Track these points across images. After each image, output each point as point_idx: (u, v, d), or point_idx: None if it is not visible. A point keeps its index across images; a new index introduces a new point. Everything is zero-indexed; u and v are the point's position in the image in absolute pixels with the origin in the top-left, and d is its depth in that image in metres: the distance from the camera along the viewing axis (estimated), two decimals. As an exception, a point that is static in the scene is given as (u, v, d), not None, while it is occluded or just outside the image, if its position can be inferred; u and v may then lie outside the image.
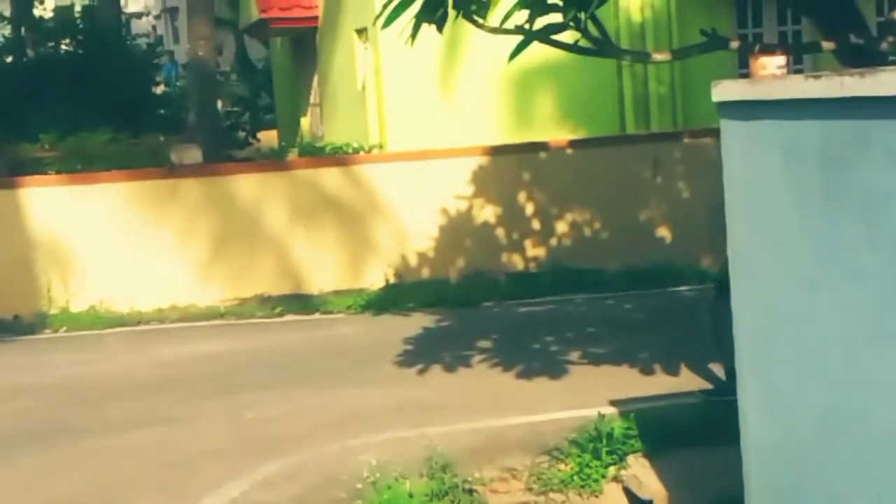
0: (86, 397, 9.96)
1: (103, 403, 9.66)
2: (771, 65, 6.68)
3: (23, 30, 29.85)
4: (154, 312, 13.56)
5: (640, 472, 6.65)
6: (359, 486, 6.69)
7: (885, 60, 6.73)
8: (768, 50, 10.55)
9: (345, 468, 7.19)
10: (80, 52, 26.44)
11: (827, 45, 6.94)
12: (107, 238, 13.78)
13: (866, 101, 3.52)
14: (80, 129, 19.48)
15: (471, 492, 6.65)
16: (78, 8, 34.59)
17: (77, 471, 7.79)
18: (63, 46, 27.37)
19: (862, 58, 6.55)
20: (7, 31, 30.99)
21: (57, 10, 34.31)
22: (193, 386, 10.09)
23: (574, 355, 9.98)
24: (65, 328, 13.23)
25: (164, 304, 13.69)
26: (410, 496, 6.42)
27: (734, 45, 7.65)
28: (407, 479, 6.64)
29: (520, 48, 6.93)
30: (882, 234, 3.55)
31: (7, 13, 33.06)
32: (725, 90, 4.42)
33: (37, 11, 32.28)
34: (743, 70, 14.69)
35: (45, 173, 15.09)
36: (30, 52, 28.45)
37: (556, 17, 6.74)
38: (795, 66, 14.98)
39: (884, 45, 6.81)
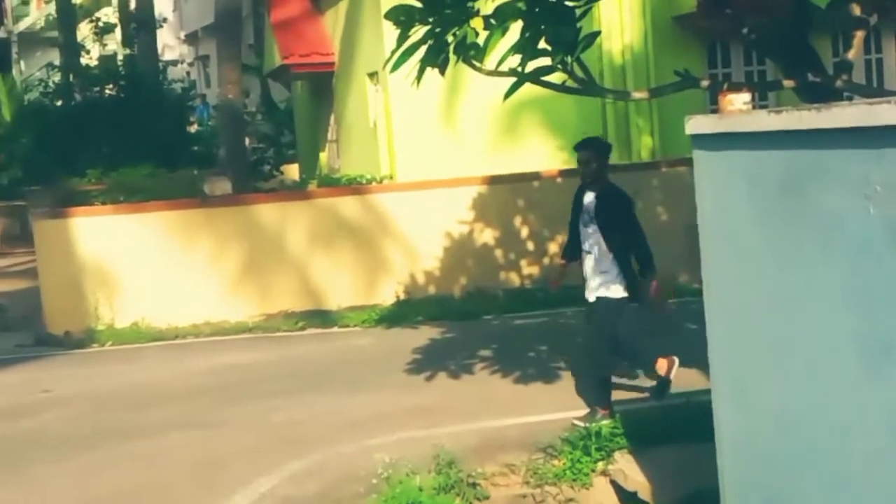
0: (129, 404, 9.96)
1: (145, 409, 9.66)
2: (738, 101, 6.66)
3: (71, 76, 29.89)
4: (190, 327, 13.55)
5: (626, 466, 6.64)
6: (374, 481, 6.69)
7: (840, 97, 6.75)
8: (735, 87, 10.51)
9: (362, 465, 7.18)
10: (123, 96, 26.47)
11: (788, 83, 6.96)
12: (147, 261, 13.79)
13: (823, 133, 3.54)
14: (123, 164, 19.49)
15: (474, 485, 6.64)
16: (120, 57, 34.65)
17: (122, 469, 7.79)
18: (107, 91, 27.39)
19: (819, 94, 6.57)
20: (57, 77, 31.05)
21: (101, 58, 34.37)
22: (225, 393, 10.08)
23: (565, 363, 9.97)
24: (110, 342, 13.22)
25: (199, 319, 13.69)
26: (420, 489, 6.42)
27: (705, 84, 7.68)
28: (417, 474, 6.64)
29: (514, 88, 6.96)
30: (836, 252, 3.56)
31: (57, 62, 33.19)
32: (698, 124, 4.44)
33: (83, 60, 32.33)
34: (713, 106, 14.72)
35: (92, 204, 15.10)
36: (77, 97, 28.50)
37: (546, 61, 6.76)
38: (760, 102, 15.00)
39: (838, 83, 6.83)
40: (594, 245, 7.89)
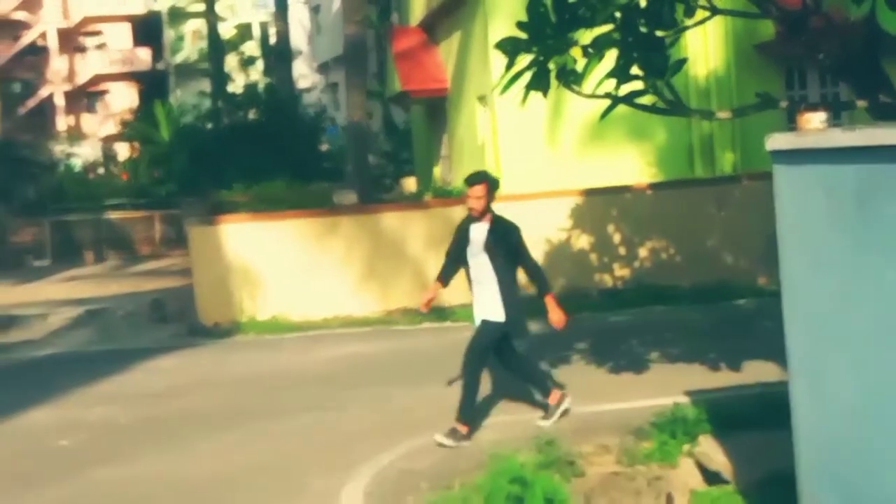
0: (268, 387, 10.15)
1: (281, 392, 9.84)
2: (814, 120, 6.53)
3: (219, 102, 30.65)
4: (321, 321, 13.75)
5: (710, 448, 6.54)
6: (481, 457, 6.71)
7: (910, 115, 6.55)
8: (812, 108, 10.27)
9: (470, 443, 7.21)
10: (263, 119, 27.03)
11: (861, 103, 6.79)
12: (285, 262, 14.06)
13: (892, 148, 3.46)
14: (264, 178, 19.90)
15: (571, 463, 6.61)
16: (261, 85, 35.41)
17: (262, 444, 7.94)
18: (250, 115, 28.00)
19: (890, 114, 6.39)
20: (208, 103, 31.86)
21: (245, 86, 35.18)
22: (351, 379, 10.21)
23: (654, 355, 9.87)
24: (253, 333, 13.50)
25: (329, 314, 13.89)
26: (523, 466, 6.42)
27: (783, 104, 7.53)
28: (520, 452, 6.63)
29: (609, 109, 6.93)
30: (907, 257, 3.47)
31: (208, 90, 34.05)
32: (777, 141, 4.38)
33: (230, 88, 33.13)
34: (791, 124, 14.39)
35: (238, 213, 15.46)
36: (225, 120, 29.19)
37: (638, 84, 6.72)
38: (835, 121, 14.62)
39: (908, 103, 6.63)
40: (482, 274, 7.54)
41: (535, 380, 8.05)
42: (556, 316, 7.67)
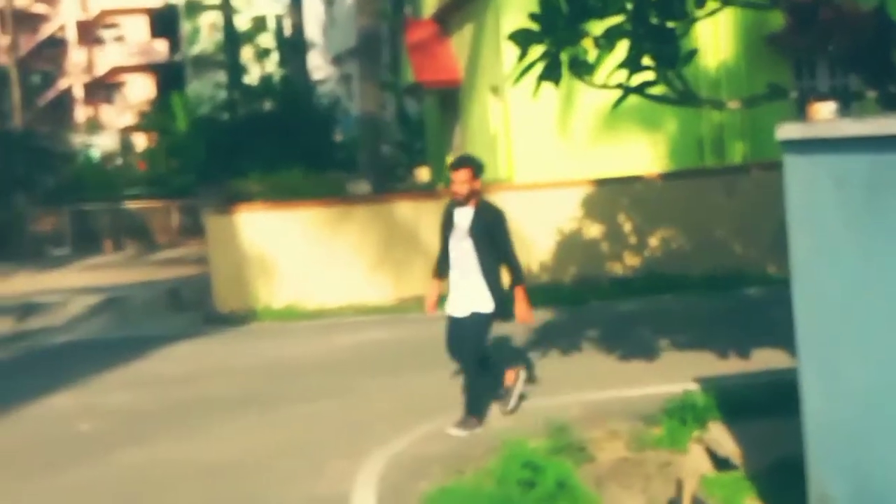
0: (283, 374, 10.18)
1: (296, 379, 9.86)
2: (824, 110, 6.51)
3: (235, 94, 30.67)
4: (335, 309, 13.79)
5: (719, 435, 6.54)
6: (493, 443, 6.72)
7: (919, 105, 6.52)
8: (822, 98, 10.23)
9: (482, 429, 7.23)
10: (279, 110, 27.06)
11: (871, 93, 6.76)
12: (300, 250, 14.10)
13: (902, 137, 3.46)
14: (279, 168, 19.93)
15: (582, 449, 6.62)
16: (276, 77, 35.41)
17: (279, 428, 7.97)
18: (266, 106, 28.02)
19: (899, 103, 6.37)
20: (224, 94, 31.88)
21: (261, 78, 35.19)
22: (365, 366, 10.23)
23: (664, 343, 9.86)
24: (268, 321, 13.54)
25: (343, 302, 13.93)
26: (534, 452, 6.42)
27: (793, 94, 7.51)
28: (531, 438, 6.64)
29: (620, 100, 6.93)
30: (916, 244, 3.47)
31: (223, 82, 34.07)
32: (788, 130, 4.37)
33: (245, 79, 33.13)
34: (801, 114, 14.34)
35: (254, 202, 15.50)
36: (241, 111, 29.20)
37: (649, 75, 6.71)
38: (844, 112, 14.56)
39: (918, 93, 6.61)
40: (467, 261, 7.24)
41: (487, 369, 7.83)
42: (522, 310, 7.35)
